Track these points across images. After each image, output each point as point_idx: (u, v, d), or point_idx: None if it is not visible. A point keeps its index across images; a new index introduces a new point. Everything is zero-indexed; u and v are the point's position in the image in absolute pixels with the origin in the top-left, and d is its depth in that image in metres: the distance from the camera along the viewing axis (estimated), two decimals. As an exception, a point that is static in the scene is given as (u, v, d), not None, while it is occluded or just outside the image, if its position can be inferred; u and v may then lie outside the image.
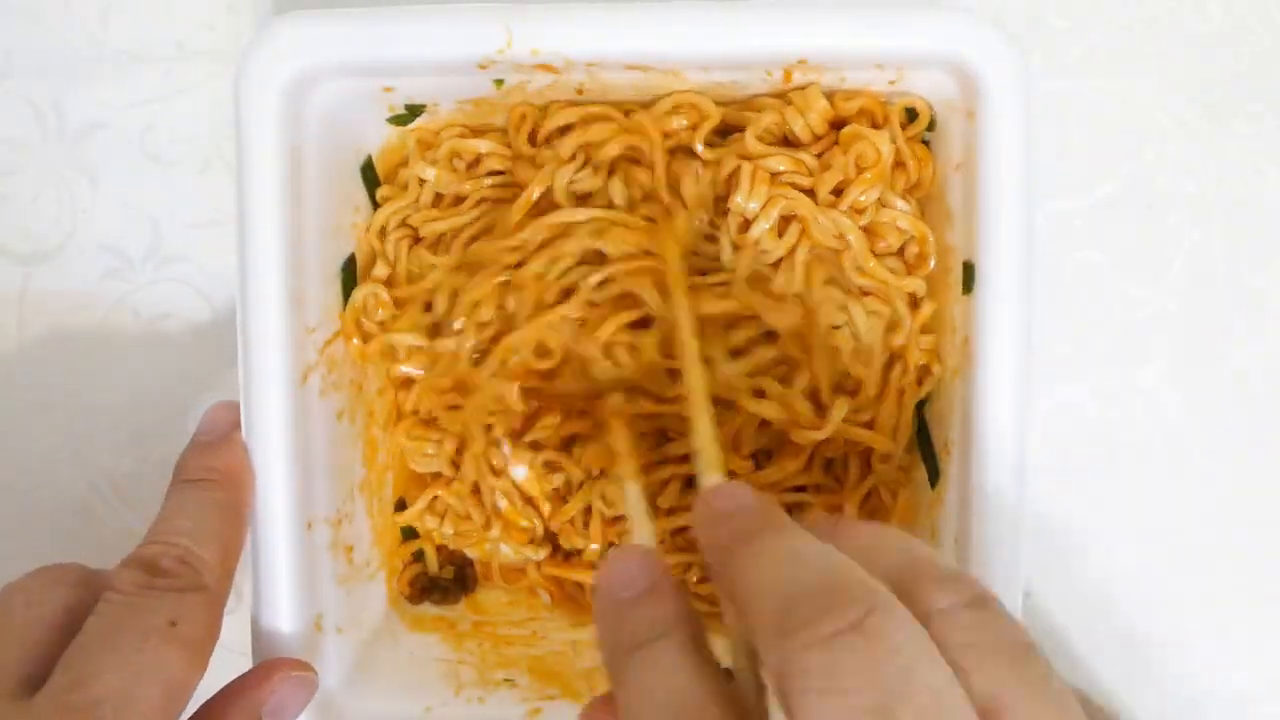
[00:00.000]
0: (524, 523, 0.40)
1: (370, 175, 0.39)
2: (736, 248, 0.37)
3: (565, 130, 0.37)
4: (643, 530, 0.32)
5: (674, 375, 0.36)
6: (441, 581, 0.42)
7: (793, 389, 0.37)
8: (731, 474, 0.35)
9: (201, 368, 0.43)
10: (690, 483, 0.38)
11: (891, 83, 0.35)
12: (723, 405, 0.36)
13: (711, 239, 0.37)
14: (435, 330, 0.38)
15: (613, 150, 0.37)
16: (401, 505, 0.42)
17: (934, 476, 0.37)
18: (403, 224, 0.39)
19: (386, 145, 0.39)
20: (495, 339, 0.38)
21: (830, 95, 0.37)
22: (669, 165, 0.37)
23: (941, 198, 0.36)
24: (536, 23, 0.33)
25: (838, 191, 0.37)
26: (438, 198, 0.39)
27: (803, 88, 0.36)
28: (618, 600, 0.27)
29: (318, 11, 0.33)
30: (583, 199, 0.37)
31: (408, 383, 0.40)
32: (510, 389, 0.38)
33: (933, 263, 0.37)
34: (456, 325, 0.38)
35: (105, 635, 0.29)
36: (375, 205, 0.39)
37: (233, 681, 0.33)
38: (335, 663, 0.36)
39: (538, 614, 0.41)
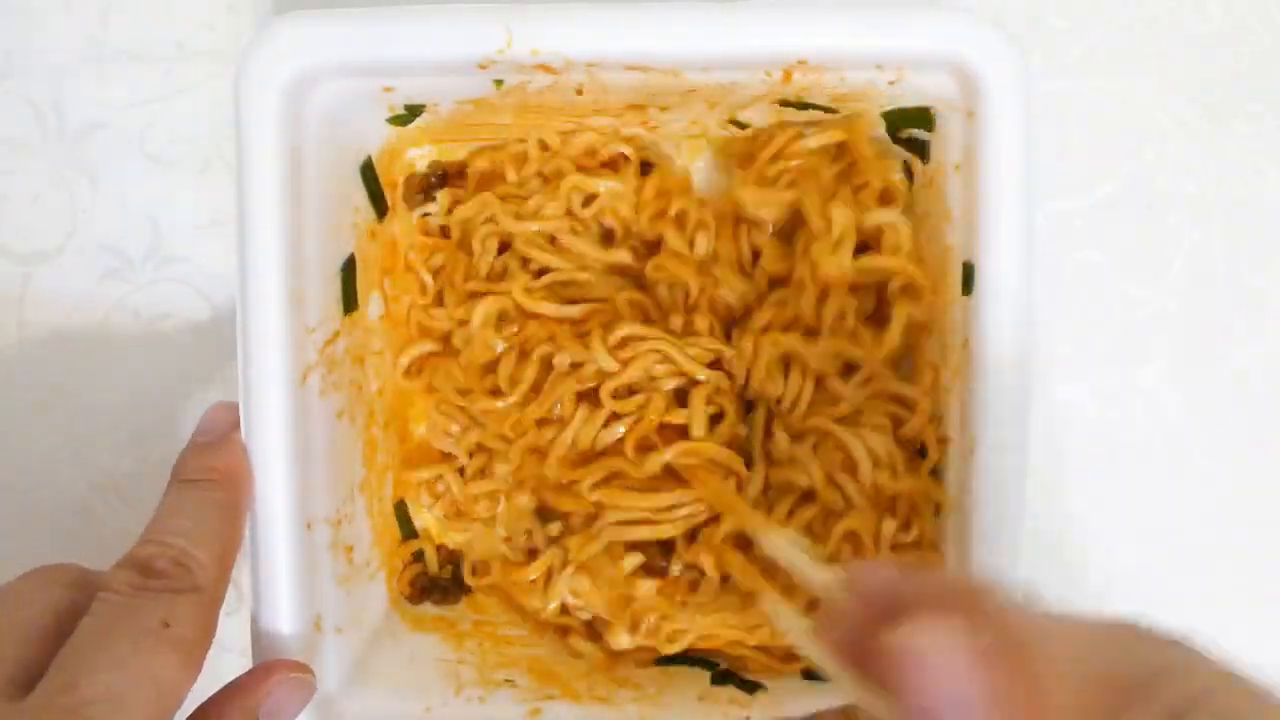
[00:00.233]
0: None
1: (370, 175, 0.39)
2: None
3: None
4: (816, 576, 0.28)
5: None
6: (441, 581, 0.42)
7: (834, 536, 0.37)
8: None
9: (201, 367, 0.43)
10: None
11: (891, 83, 0.35)
12: None
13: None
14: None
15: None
16: (401, 505, 0.42)
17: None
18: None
19: (386, 145, 0.39)
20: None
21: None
22: None
23: (941, 198, 0.36)
24: (536, 23, 0.33)
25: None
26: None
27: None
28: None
29: (318, 11, 0.33)
30: None
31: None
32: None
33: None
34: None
35: (98, 636, 0.29)
36: (375, 205, 0.39)
37: (230, 682, 0.32)
38: (335, 663, 0.36)
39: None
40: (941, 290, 0.37)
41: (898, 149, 0.39)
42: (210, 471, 0.33)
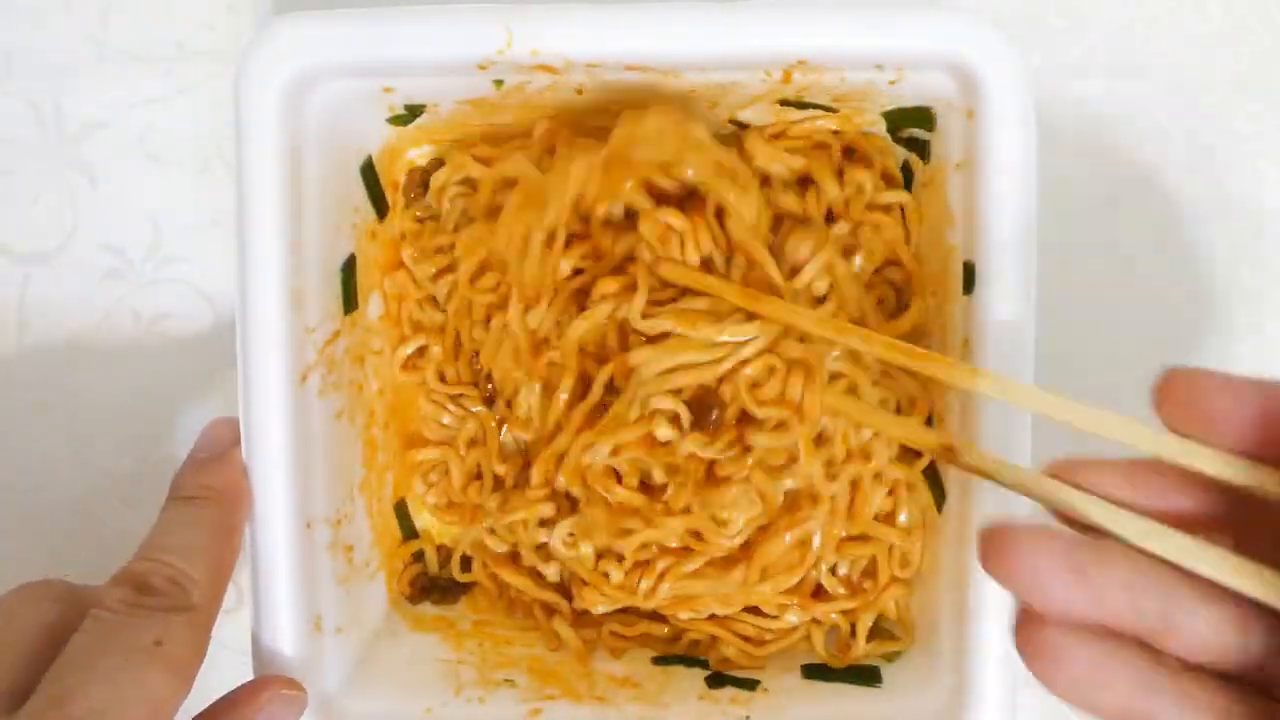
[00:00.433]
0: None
1: (370, 175, 0.39)
2: None
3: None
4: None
5: None
6: (441, 581, 0.42)
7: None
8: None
9: (202, 368, 0.43)
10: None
11: (891, 83, 0.35)
12: None
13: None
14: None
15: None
16: (402, 505, 0.42)
17: (939, 500, 0.37)
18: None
19: (386, 145, 0.39)
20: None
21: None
22: None
23: (941, 198, 0.36)
24: (536, 23, 0.33)
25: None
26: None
27: None
28: None
29: (318, 11, 0.33)
30: None
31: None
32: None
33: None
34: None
35: (89, 653, 0.29)
36: (375, 205, 0.39)
37: (222, 697, 0.32)
38: (335, 663, 0.36)
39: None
40: (941, 290, 0.37)
41: (898, 149, 0.39)
42: (208, 490, 0.33)
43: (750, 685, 0.38)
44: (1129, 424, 0.27)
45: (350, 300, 0.38)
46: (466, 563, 0.42)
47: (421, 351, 0.41)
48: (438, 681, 0.38)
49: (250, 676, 0.34)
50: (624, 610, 0.40)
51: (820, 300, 0.37)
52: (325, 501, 0.36)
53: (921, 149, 0.38)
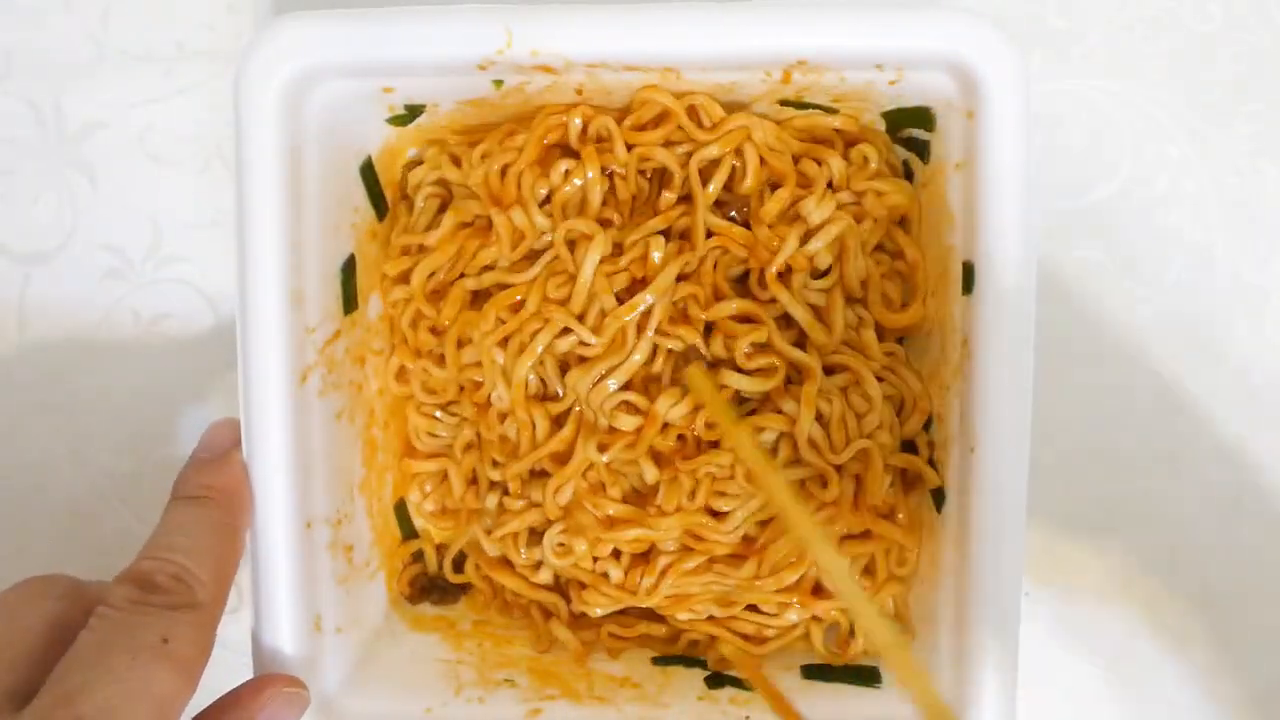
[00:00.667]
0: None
1: (370, 175, 0.39)
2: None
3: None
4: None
5: None
6: (441, 581, 0.42)
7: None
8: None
9: (202, 367, 0.43)
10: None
11: (891, 83, 0.35)
12: None
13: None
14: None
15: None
16: (402, 505, 0.42)
17: (939, 500, 0.37)
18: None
19: (386, 145, 0.39)
20: None
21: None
22: None
23: (941, 198, 0.36)
24: (536, 23, 0.33)
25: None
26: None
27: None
28: None
29: (318, 11, 0.33)
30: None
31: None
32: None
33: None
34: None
35: (96, 651, 0.29)
36: (375, 205, 0.39)
37: (225, 695, 0.32)
38: (335, 663, 0.36)
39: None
40: (941, 290, 0.37)
41: (898, 148, 0.39)
42: (209, 489, 0.33)
43: (750, 685, 0.38)
44: None
45: (350, 300, 0.38)
46: (459, 566, 0.42)
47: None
48: (438, 681, 0.38)
49: (250, 676, 0.34)
50: (622, 611, 0.40)
51: (823, 273, 0.38)
52: (325, 501, 0.36)
53: (921, 149, 0.38)
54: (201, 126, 0.42)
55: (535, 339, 0.37)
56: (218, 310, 0.43)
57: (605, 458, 0.37)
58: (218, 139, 0.42)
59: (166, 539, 0.33)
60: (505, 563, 0.41)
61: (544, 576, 0.40)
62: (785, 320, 0.38)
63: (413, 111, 0.38)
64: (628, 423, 0.37)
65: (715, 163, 0.37)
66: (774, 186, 0.38)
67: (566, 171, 0.37)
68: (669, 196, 0.38)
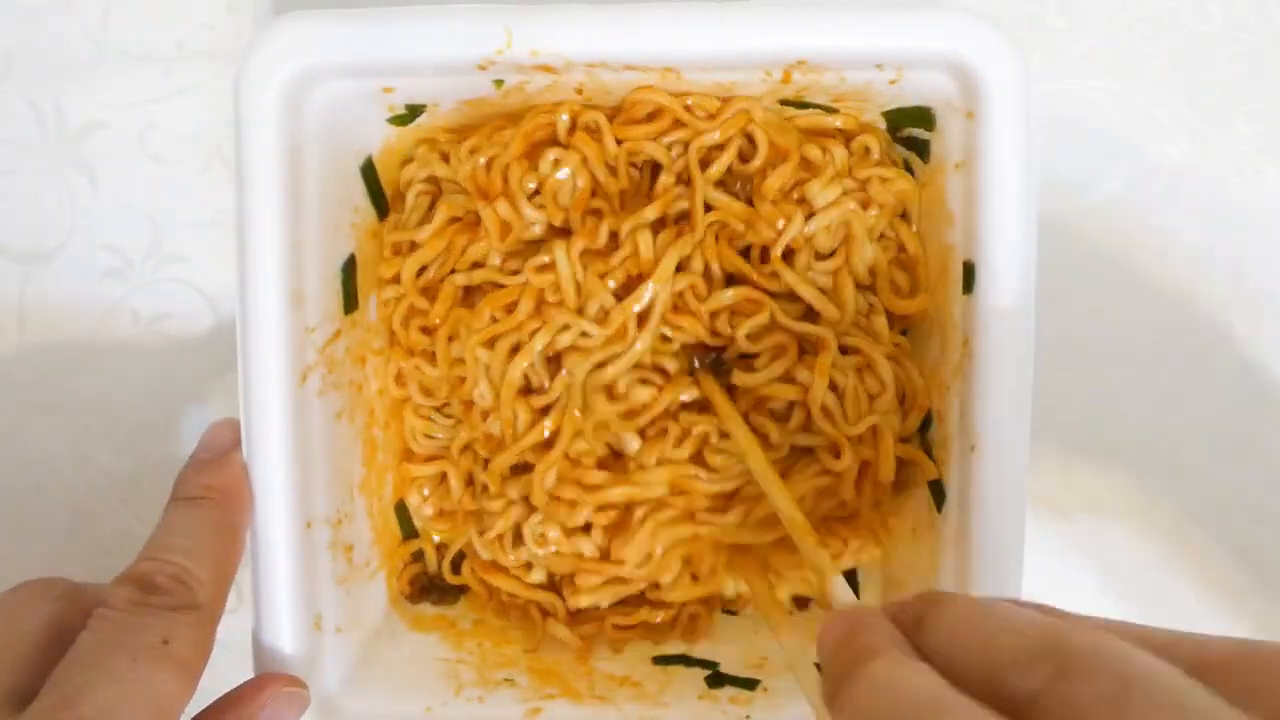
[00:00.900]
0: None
1: (370, 175, 0.39)
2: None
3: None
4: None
5: None
6: (441, 581, 0.42)
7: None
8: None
9: (202, 367, 0.43)
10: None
11: (891, 83, 0.35)
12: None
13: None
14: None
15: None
16: (402, 505, 0.42)
17: (939, 500, 0.37)
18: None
19: (387, 145, 0.39)
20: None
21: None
22: None
23: (941, 198, 0.36)
24: (536, 23, 0.33)
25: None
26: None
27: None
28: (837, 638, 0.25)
29: (318, 11, 0.33)
30: None
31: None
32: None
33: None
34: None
35: (96, 652, 0.29)
36: (375, 205, 0.39)
37: (225, 695, 0.32)
38: (335, 663, 0.36)
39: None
40: (942, 289, 0.37)
41: (898, 148, 0.39)
42: (209, 490, 0.33)
43: (750, 685, 0.38)
44: None
45: (350, 300, 0.38)
46: (456, 567, 0.42)
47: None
48: (438, 681, 0.38)
49: (250, 676, 0.34)
50: (620, 602, 0.40)
51: (827, 255, 0.38)
52: (325, 501, 0.36)
53: (921, 149, 0.38)
54: (201, 126, 0.42)
55: (534, 339, 0.37)
56: (218, 310, 0.43)
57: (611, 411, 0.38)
58: (218, 139, 0.42)
59: (166, 540, 0.33)
60: (499, 565, 0.41)
61: (537, 576, 0.40)
62: (790, 300, 0.38)
63: (413, 111, 0.38)
64: (643, 393, 0.38)
65: (717, 148, 0.37)
66: (776, 166, 0.38)
67: (555, 160, 0.37)
68: (666, 181, 0.38)
